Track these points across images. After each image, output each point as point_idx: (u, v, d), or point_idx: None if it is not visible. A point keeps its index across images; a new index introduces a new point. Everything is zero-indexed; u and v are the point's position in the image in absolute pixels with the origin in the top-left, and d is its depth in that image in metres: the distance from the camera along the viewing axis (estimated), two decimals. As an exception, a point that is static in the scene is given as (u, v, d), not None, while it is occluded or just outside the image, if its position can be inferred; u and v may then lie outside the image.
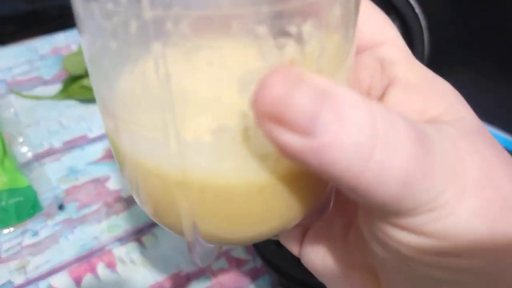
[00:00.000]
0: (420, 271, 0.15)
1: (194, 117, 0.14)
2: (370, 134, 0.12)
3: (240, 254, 0.34)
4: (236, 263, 0.34)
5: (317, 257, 0.21)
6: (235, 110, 0.14)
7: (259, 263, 0.34)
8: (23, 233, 0.35)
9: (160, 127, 0.14)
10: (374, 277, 0.19)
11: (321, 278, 0.21)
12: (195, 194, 0.15)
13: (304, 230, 0.22)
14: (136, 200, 0.19)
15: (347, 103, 0.12)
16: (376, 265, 0.18)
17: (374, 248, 0.16)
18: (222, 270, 0.33)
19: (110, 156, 0.42)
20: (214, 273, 0.33)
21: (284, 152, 0.13)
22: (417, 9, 0.36)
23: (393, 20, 0.37)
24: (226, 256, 0.34)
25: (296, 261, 0.32)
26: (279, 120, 0.12)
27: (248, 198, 0.15)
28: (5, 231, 0.35)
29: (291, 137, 0.12)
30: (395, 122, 0.13)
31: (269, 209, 0.16)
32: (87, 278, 0.32)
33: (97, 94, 0.17)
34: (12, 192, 0.35)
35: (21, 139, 0.41)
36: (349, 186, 0.13)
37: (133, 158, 0.16)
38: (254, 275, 0.33)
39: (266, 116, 0.12)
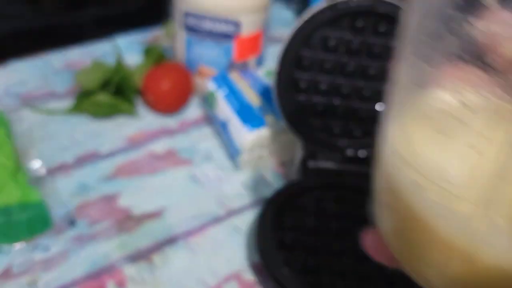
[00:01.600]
0: None
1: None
2: None
3: (251, 277, 0.34)
4: (247, 287, 0.34)
5: None
6: None
7: (270, 287, 0.34)
8: (34, 248, 0.35)
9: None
10: None
11: None
12: (481, 272, 0.16)
13: None
14: (396, 246, 0.19)
15: None
16: None
17: None
18: (233, 293, 0.33)
19: (122, 173, 0.42)
20: (224, 296, 0.33)
21: None
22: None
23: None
24: (237, 279, 0.34)
25: (308, 286, 0.32)
26: None
27: None
28: (17, 246, 0.35)
29: None
30: None
31: None
32: (97, 296, 0.32)
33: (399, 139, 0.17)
34: (24, 206, 0.36)
35: (34, 154, 0.42)
36: None
37: (435, 231, 0.16)
38: (264, 299, 0.33)
39: None
